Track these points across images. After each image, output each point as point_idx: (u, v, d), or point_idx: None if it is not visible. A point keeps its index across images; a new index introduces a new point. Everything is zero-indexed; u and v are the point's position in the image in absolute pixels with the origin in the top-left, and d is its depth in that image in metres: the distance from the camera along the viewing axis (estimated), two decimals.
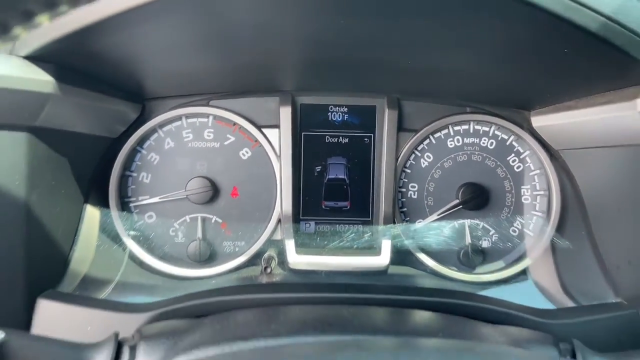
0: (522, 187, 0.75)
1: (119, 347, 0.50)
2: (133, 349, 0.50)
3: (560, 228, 0.72)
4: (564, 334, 0.56)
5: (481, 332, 0.55)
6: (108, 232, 0.70)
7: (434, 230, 0.74)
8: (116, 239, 0.71)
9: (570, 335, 0.57)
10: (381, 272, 0.69)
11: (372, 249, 0.70)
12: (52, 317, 0.58)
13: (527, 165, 0.75)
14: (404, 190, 0.75)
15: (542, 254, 0.74)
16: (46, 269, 0.62)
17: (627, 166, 0.62)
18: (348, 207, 0.74)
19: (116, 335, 0.52)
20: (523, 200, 0.75)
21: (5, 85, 0.53)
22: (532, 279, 0.75)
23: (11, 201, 0.55)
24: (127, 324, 0.55)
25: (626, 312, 0.62)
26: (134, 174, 0.73)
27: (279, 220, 0.72)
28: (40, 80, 0.55)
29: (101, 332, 0.52)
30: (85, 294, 0.62)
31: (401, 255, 0.72)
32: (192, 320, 0.56)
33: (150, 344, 0.51)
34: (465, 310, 0.59)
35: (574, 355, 0.55)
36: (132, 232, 0.71)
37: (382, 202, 0.72)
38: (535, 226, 0.74)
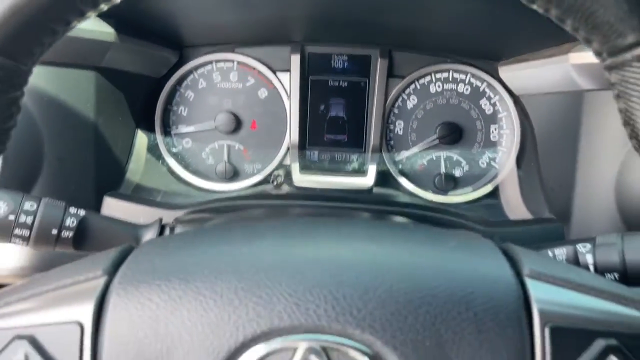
0: (490, 126, 0.90)
1: (162, 228, 0.69)
2: (172, 229, 0.69)
3: (518, 160, 0.87)
4: (502, 237, 0.73)
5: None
6: (154, 153, 0.89)
7: (414, 159, 0.91)
8: (160, 158, 0.90)
9: (505, 238, 0.73)
10: (367, 191, 0.86)
11: (362, 172, 0.87)
12: (114, 211, 0.78)
13: (496, 108, 0.89)
14: (391, 127, 0.90)
15: (505, 180, 0.89)
16: (110, 175, 0.81)
17: (564, 109, 0.76)
18: (345, 140, 0.90)
19: (160, 219, 0.71)
20: (491, 138, 0.90)
21: (79, 35, 0.71)
22: (500, 200, 0.91)
23: (84, 122, 0.74)
24: (168, 216, 0.74)
25: (553, 225, 0.78)
26: (174, 108, 0.90)
27: (288, 148, 0.89)
28: (104, 31, 0.72)
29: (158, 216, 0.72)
30: (138, 196, 0.82)
31: (385, 179, 0.88)
32: (216, 214, 0.74)
33: (184, 225, 0.70)
34: (425, 218, 0.76)
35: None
36: (172, 153, 0.90)
37: (372, 136, 0.88)
38: (500, 159, 0.90)
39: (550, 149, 0.79)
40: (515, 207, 0.86)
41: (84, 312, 0.40)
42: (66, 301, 0.41)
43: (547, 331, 0.40)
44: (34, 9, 0.45)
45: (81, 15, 0.48)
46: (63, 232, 0.60)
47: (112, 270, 0.43)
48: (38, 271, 0.66)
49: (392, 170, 0.89)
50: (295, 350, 0.39)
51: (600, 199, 0.70)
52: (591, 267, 0.58)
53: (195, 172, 0.90)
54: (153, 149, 0.88)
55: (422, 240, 0.47)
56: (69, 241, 0.61)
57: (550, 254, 0.61)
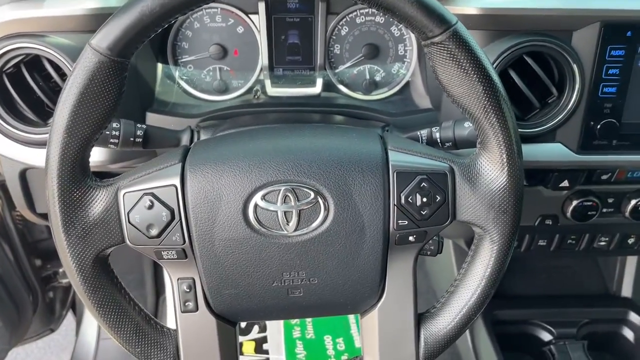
0: (398, 45, 1.30)
1: (191, 131, 1.11)
2: (198, 132, 1.11)
3: (422, 70, 1.28)
4: (396, 123, 1.16)
5: None
6: (169, 78, 1.27)
7: (348, 71, 1.27)
8: (173, 79, 1.27)
9: (398, 123, 1.17)
10: (316, 97, 1.20)
11: (312, 83, 1.27)
12: (155, 122, 1.11)
13: (402, 32, 1.29)
14: (331, 49, 1.26)
15: (410, 81, 1.31)
16: (146, 98, 1.09)
17: None
18: (300, 60, 1.23)
19: (189, 126, 1.11)
20: (399, 53, 1.30)
21: None
22: (408, 95, 1.31)
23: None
24: (191, 122, 1.14)
25: (431, 113, 1.13)
26: (179, 43, 1.26)
27: (261, 69, 1.26)
28: None
29: (183, 123, 1.11)
30: (167, 110, 1.21)
31: (328, 87, 1.22)
32: (222, 120, 1.15)
33: (203, 130, 1.04)
34: (355, 113, 1.18)
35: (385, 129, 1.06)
36: (182, 77, 1.29)
37: (318, 56, 1.23)
38: (405, 67, 1.31)
39: None
40: (421, 99, 1.29)
41: (176, 180, 0.84)
42: (165, 175, 0.84)
43: (394, 174, 0.85)
44: (152, 19, 0.66)
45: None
46: (136, 139, 1.02)
47: (182, 159, 0.86)
48: (123, 161, 1.08)
49: (333, 80, 1.27)
50: (279, 191, 0.84)
51: None
52: (438, 140, 1.04)
53: (199, 89, 1.27)
54: (168, 75, 1.26)
55: (339, 131, 0.91)
56: (139, 144, 1.02)
57: (418, 133, 1.06)
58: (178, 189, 0.77)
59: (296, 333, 1.81)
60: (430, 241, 0.86)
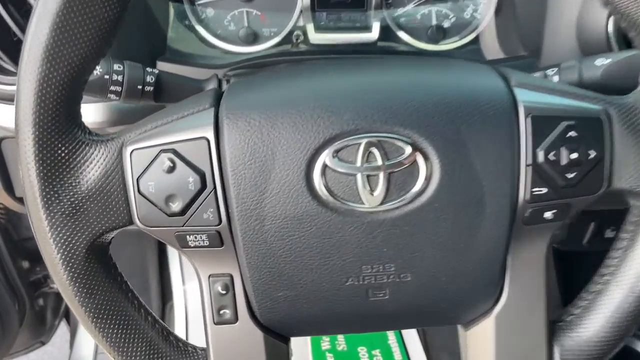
0: None
1: (219, 81, 0.84)
2: (228, 81, 0.85)
3: (497, 10, 1.02)
4: None
5: None
6: (183, 20, 1.01)
7: (410, 15, 1.05)
8: (191, 27, 1.02)
9: None
10: (372, 44, 1.01)
11: (367, 29, 1.01)
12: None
13: None
14: None
15: (486, 28, 1.05)
16: (157, 43, 0.93)
17: None
18: (349, 1, 1.03)
19: (216, 74, 0.86)
20: None
21: None
22: (480, 45, 1.07)
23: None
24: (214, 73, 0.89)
25: (527, 60, 0.95)
26: None
27: (301, 11, 1.02)
28: None
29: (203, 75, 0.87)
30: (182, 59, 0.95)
31: (386, 33, 1.01)
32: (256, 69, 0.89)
33: (238, 76, 0.85)
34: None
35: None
36: (200, 21, 1.02)
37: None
38: (481, 10, 1.05)
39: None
40: (493, 50, 1.03)
41: (208, 131, 0.57)
42: (193, 125, 0.58)
43: (529, 120, 0.58)
44: None
45: None
46: (146, 87, 0.75)
47: (216, 104, 0.59)
48: (126, 122, 0.81)
49: (392, 25, 1.03)
50: (360, 145, 0.57)
51: (565, 36, 0.87)
52: None
53: (221, 38, 1.02)
54: (182, 18, 1.00)
55: (440, 65, 0.64)
56: (150, 95, 0.76)
57: None
58: (211, 143, 0.57)
59: (325, 345, 1.58)
60: None
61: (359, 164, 0.56)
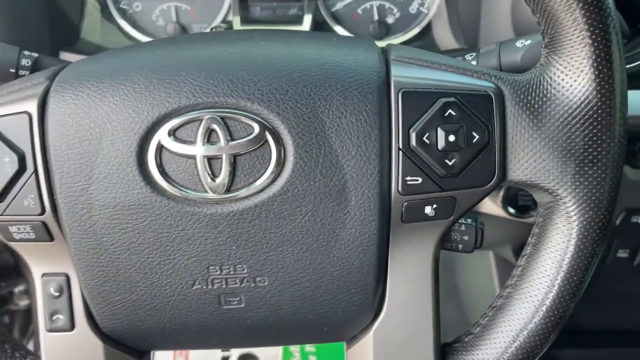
0: None
1: None
2: None
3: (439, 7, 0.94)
4: None
5: None
6: (106, 14, 0.96)
7: (349, 8, 0.97)
8: (113, 21, 0.96)
9: None
10: None
11: (298, 22, 0.94)
12: None
13: None
14: None
15: (437, 23, 0.96)
16: (63, 34, 0.87)
17: None
18: None
19: None
20: None
21: None
22: (432, 40, 0.99)
23: None
24: None
25: (463, 52, 0.86)
26: None
27: (230, 5, 0.95)
28: None
29: None
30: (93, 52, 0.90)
31: (321, 28, 0.95)
32: None
33: None
34: None
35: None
36: (124, 15, 0.97)
37: None
38: (428, 4, 0.96)
39: None
40: (447, 43, 0.94)
41: (31, 104, 0.50)
42: (17, 98, 0.51)
43: (400, 96, 0.50)
44: None
45: None
46: (20, 71, 0.69)
47: (52, 77, 0.52)
48: None
49: (328, 19, 0.95)
50: (200, 122, 0.49)
51: (500, 27, 0.78)
52: None
53: (148, 33, 0.97)
54: (104, 10, 0.95)
55: (310, 37, 0.56)
56: None
57: None
58: (34, 119, 0.50)
59: None
60: (463, 225, 0.58)
61: (199, 144, 0.48)
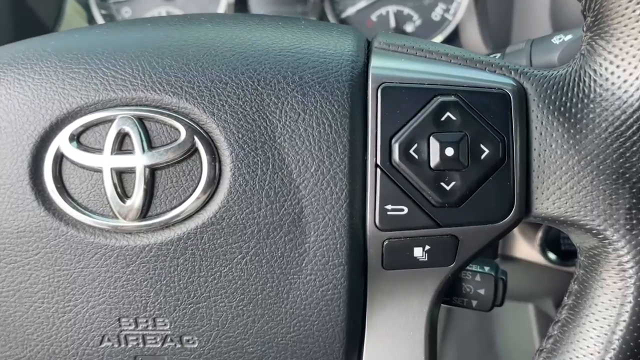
0: None
1: None
2: None
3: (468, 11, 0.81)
4: None
5: None
6: (91, 21, 0.87)
7: (362, 15, 0.84)
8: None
9: None
10: None
11: None
12: None
13: None
14: None
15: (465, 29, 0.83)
16: (32, 32, 0.80)
17: None
18: None
19: None
20: None
21: None
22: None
23: None
24: None
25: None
26: None
27: (226, 9, 0.85)
28: None
29: None
30: None
31: None
32: None
33: None
34: None
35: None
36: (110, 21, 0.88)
37: None
38: (454, 7, 0.83)
39: None
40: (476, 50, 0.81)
41: None
42: None
43: (379, 93, 0.36)
44: None
45: None
46: None
47: None
48: None
49: None
50: (111, 122, 0.37)
51: (536, 25, 0.64)
52: None
53: None
54: (91, 21, 0.86)
55: (269, 20, 0.43)
56: None
57: None
58: None
59: None
60: (477, 275, 0.46)
61: (106, 152, 0.36)
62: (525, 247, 0.72)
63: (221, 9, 0.84)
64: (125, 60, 0.37)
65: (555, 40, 0.49)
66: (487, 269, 0.46)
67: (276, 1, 0.85)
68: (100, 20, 0.86)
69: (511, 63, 0.38)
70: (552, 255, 0.69)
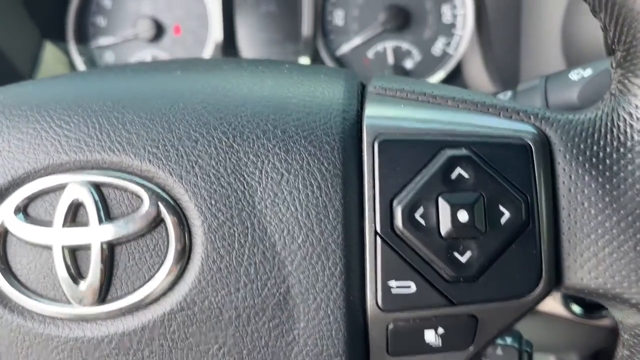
0: (442, 6, 0.78)
1: None
2: None
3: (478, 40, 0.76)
4: None
5: None
6: (69, 64, 0.83)
7: (358, 52, 0.80)
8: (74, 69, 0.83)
9: None
10: None
11: None
12: None
13: None
14: (329, 17, 0.80)
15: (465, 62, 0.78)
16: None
17: None
18: (277, 37, 0.81)
19: None
20: (443, 20, 0.79)
21: None
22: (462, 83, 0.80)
23: None
24: None
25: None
26: (92, 19, 0.83)
27: (214, 50, 0.81)
28: None
29: None
30: None
31: None
32: None
33: None
34: None
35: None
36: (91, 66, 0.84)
37: (305, 27, 0.78)
38: (455, 44, 0.78)
39: (495, 18, 0.68)
40: (481, 87, 0.76)
41: None
42: None
43: (376, 147, 0.30)
44: None
45: None
46: None
47: None
48: None
49: (331, 64, 0.79)
50: (62, 190, 0.31)
51: (547, 59, 0.59)
52: None
53: None
54: (72, 66, 0.81)
55: (248, 65, 0.38)
56: None
57: None
58: None
59: None
60: (498, 348, 0.41)
61: (56, 226, 0.30)
62: (548, 299, 0.66)
63: (208, 50, 0.80)
64: (80, 117, 0.32)
65: (573, 76, 0.44)
66: (509, 340, 0.40)
67: (267, 41, 0.80)
68: (81, 67, 0.81)
69: (529, 107, 0.33)
70: (576, 309, 0.62)
